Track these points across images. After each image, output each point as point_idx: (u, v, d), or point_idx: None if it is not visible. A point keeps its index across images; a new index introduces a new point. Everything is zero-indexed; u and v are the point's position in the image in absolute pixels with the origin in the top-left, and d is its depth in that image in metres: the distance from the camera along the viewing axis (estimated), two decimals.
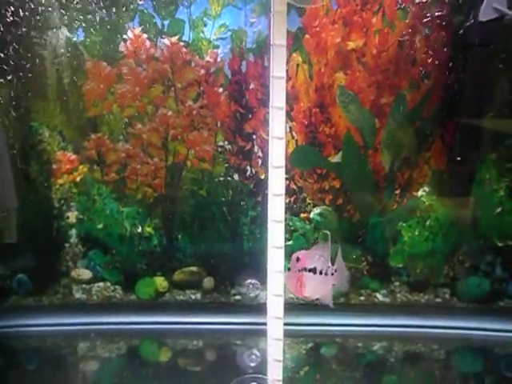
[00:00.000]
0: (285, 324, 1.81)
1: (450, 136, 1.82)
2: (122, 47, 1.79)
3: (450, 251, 1.89)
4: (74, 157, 1.88)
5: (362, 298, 1.91)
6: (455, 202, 1.87)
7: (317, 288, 1.09)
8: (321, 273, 1.04)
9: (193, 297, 1.95)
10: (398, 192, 1.91)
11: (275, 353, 1.01)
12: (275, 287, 1.03)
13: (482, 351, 1.76)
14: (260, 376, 1.00)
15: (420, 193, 1.89)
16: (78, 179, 1.91)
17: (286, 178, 1.92)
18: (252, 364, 1.58)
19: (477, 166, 1.81)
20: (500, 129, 1.79)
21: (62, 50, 1.78)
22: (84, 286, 1.96)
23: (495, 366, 1.70)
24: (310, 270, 1.06)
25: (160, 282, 1.94)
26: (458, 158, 1.81)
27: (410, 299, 1.90)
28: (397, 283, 1.95)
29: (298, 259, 1.11)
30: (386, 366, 1.65)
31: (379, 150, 1.86)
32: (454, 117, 1.81)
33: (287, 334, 1.79)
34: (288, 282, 1.08)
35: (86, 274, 1.98)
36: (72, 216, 1.95)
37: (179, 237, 1.96)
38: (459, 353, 1.80)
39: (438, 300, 1.90)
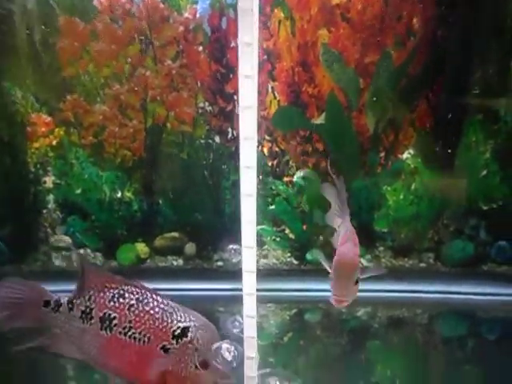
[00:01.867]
0: (268, 290, 1.83)
1: (436, 96, 1.78)
2: (96, 2, 1.71)
3: (434, 215, 1.88)
4: (49, 119, 1.82)
5: None
6: (440, 165, 1.84)
7: None
8: None
9: (174, 263, 1.92)
10: (382, 155, 1.88)
11: (248, 308, 0.96)
12: (247, 239, 0.98)
13: (465, 315, 1.75)
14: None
15: (405, 155, 1.88)
16: (54, 143, 1.85)
17: (269, 141, 1.89)
18: (235, 330, 1.56)
19: (463, 127, 1.77)
20: (487, 89, 1.74)
21: (32, 5, 1.70)
22: (64, 253, 1.92)
23: (478, 329, 1.69)
24: None
25: (141, 248, 1.91)
26: (444, 120, 1.77)
27: (394, 264, 1.90)
28: (381, 248, 1.94)
29: None
30: (369, 331, 1.64)
31: (363, 111, 1.82)
32: (440, 76, 1.77)
33: (271, 300, 1.81)
34: None
35: (66, 240, 1.93)
36: (49, 181, 1.90)
37: (160, 202, 1.93)
38: (443, 317, 1.80)
39: (422, 265, 1.90)
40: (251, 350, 1.01)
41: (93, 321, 0.89)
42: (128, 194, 1.91)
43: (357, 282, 0.85)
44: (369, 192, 1.85)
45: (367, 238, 1.92)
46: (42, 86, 1.81)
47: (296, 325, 1.71)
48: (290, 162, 1.90)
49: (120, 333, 0.88)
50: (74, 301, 0.90)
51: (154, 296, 0.91)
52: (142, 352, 0.88)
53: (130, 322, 0.88)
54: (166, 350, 0.88)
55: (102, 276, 0.91)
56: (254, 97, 0.91)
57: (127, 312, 0.89)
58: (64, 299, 0.91)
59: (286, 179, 1.90)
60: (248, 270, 1.04)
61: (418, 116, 1.82)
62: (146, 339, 0.88)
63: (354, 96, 1.79)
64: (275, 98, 1.85)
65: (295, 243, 1.91)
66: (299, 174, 1.85)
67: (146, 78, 1.77)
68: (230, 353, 1.04)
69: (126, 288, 0.90)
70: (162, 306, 0.91)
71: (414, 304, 1.76)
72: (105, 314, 0.88)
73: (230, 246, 1.87)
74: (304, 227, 1.89)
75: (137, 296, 0.90)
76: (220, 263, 1.91)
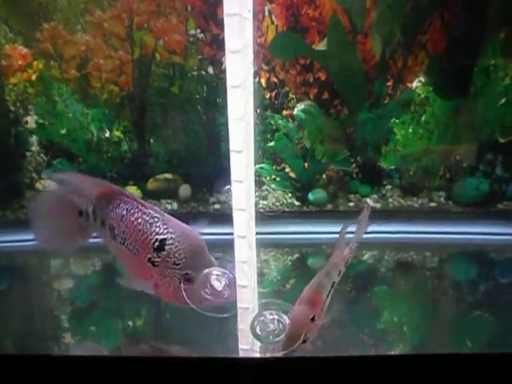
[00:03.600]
0: (269, 233, 1.73)
1: (451, 14, 1.61)
2: None
3: (446, 150, 1.76)
4: (25, 51, 1.67)
5: (351, 204, 1.80)
6: (454, 94, 1.70)
7: None
8: None
9: (168, 207, 1.81)
10: (390, 84, 1.74)
11: (240, 253, 0.86)
12: (236, 172, 0.87)
13: (478, 257, 1.65)
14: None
15: (415, 84, 1.73)
16: (33, 77, 1.70)
17: (266, 70, 1.74)
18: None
19: (481, 49, 1.62)
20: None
21: None
22: None
23: (491, 272, 1.59)
24: None
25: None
26: (460, 41, 1.61)
27: (402, 204, 1.79)
28: (388, 187, 1.83)
29: None
30: (376, 276, 1.54)
31: (369, 34, 1.67)
32: None
33: (272, 245, 1.71)
34: None
35: (52, 185, 1.82)
36: (31, 121, 1.77)
37: (151, 141, 1.81)
38: (454, 260, 1.70)
39: (432, 204, 1.79)
40: (244, 279, 0.91)
41: (107, 230, 0.91)
42: (117, 134, 1.79)
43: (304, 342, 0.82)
44: (375, 125, 1.73)
45: (373, 175, 1.81)
46: (15, 12, 1.65)
47: (299, 270, 1.60)
48: (290, 94, 1.77)
49: (120, 242, 0.89)
50: (96, 211, 0.92)
51: (140, 206, 0.89)
52: (138, 263, 0.88)
53: (123, 232, 0.88)
54: (152, 262, 0.86)
55: (103, 185, 0.91)
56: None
57: (120, 223, 0.88)
58: (90, 209, 0.94)
59: (285, 113, 1.78)
60: (239, 208, 0.93)
61: (431, 38, 1.65)
62: (136, 251, 0.87)
63: (359, 18, 1.63)
64: (272, 22, 1.69)
65: (296, 183, 1.80)
66: (300, 106, 1.73)
67: (131, 2, 1.61)
68: (220, 281, 0.94)
69: (121, 198, 0.90)
70: (144, 216, 0.88)
71: (424, 246, 1.67)
72: (110, 223, 0.90)
73: (227, 187, 1.75)
74: (305, 165, 1.77)
75: (127, 206, 0.89)
76: (217, 206, 1.80)
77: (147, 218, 0.87)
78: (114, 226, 0.90)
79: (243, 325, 0.93)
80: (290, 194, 1.82)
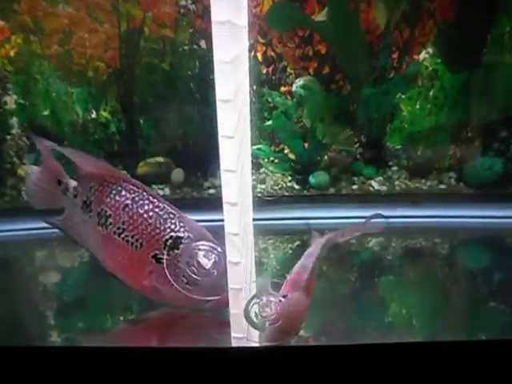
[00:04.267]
0: (269, 219, 1.64)
1: None
2: None
3: (457, 127, 1.68)
4: (2, 24, 1.57)
5: (355, 187, 1.71)
6: (465, 66, 1.60)
7: None
8: None
9: (161, 192, 1.72)
10: (395, 56, 1.65)
11: (230, 223, 0.75)
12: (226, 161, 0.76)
13: (491, 243, 1.55)
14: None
15: (422, 56, 1.65)
16: (11, 54, 1.60)
17: (263, 44, 1.64)
18: None
19: (496, 15, 1.52)
20: None
21: None
22: None
23: (506, 260, 1.47)
24: None
25: None
26: (471, 7, 1.51)
27: (409, 186, 1.71)
28: (395, 168, 1.75)
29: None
30: (382, 264, 1.45)
31: (373, 3, 1.58)
32: None
33: (271, 232, 1.61)
34: None
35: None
36: (10, 101, 1.66)
37: (141, 121, 1.71)
38: (466, 246, 1.60)
39: (442, 186, 1.70)
40: (235, 255, 0.80)
41: (91, 214, 0.85)
42: (104, 114, 1.70)
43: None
44: (379, 101, 1.64)
45: (378, 156, 1.73)
46: None
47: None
48: (288, 69, 1.69)
49: (114, 232, 0.83)
50: (79, 188, 0.87)
51: (151, 198, 0.84)
52: (134, 257, 0.83)
53: (123, 223, 0.83)
54: (157, 259, 0.82)
55: (102, 167, 0.86)
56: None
57: (122, 212, 0.83)
58: (72, 184, 0.89)
59: (283, 89, 1.69)
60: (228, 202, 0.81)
61: (439, 5, 1.56)
62: (139, 244, 0.82)
63: None
64: None
65: (296, 165, 1.72)
66: (299, 82, 1.64)
67: None
68: (208, 258, 0.85)
69: (124, 185, 0.85)
70: (156, 210, 0.83)
71: (433, 231, 1.58)
72: (102, 209, 0.84)
73: None
74: (305, 145, 1.68)
75: (133, 195, 0.84)
76: (212, 191, 1.71)
77: (161, 213, 0.83)
78: (110, 213, 0.83)
79: (235, 309, 0.83)
80: (289, 177, 1.74)
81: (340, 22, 1.56)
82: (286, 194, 1.71)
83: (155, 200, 0.84)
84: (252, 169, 1.54)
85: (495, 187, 1.64)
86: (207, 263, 0.83)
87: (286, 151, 1.75)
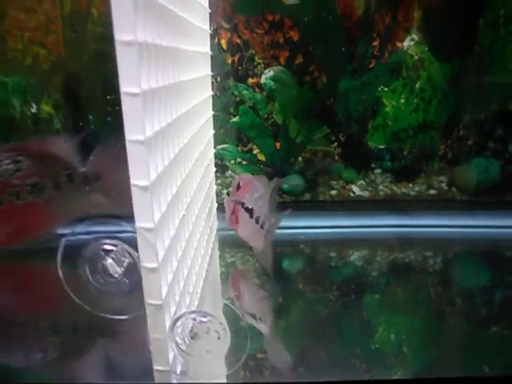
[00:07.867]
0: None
1: None
2: None
3: (447, 124, 1.61)
4: None
5: (334, 192, 1.63)
6: (455, 54, 1.52)
7: (249, 235, 1.10)
8: (257, 221, 1.03)
9: None
10: (376, 43, 1.56)
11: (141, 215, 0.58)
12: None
13: (489, 256, 1.45)
14: None
15: (406, 43, 1.56)
16: None
17: (227, 29, 1.50)
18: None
19: None
20: None
21: None
22: None
23: (507, 275, 1.36)
24: (246, 210, 1.06)
25: None
26: None
27: (395, 192, 1.63)
28: (378, 171, 1.69)
29: (238, 186, 1.10)
30: (366, 281, 1.32)
31: None
32: None
33: (239, 244, 1.48)
34: (226, 206, 1.16)
35: None
36: None
37: (90, 117, 1.58)
38: (460, 259, 1.49)
39: (431, 192, 1.64)
40: (152, 260, 0.63)
41: None
42: (46, 108, 1.56)
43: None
44: (359, 95, 1.57)
45: (359, 157, 1.65)
46: None
47: (272, 275, 1.34)
48: (256, 58, 1.58)
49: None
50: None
51: None
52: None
53: None
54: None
55: None
56: None
57: None
58: None
59: (251, 81, 1.59)
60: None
61: None
62: None
63: None
64: None
65: (267, 167, 1.61)
66: (268, 73, 1.54)
67: None
68: (119, 265, 0.78)
69: None
70: None
71: (423, 243, 1.48)
72: None
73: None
74: (277, 145, 1.59)
75: None
76: None
77: None
78: None
79: (156, 333, 0.68)
80: None
81: (314, 5, 1.48)
82: None
83: None
84: (216, 172, 1.41)
85: (492, 193, 1.58)
86: (117, 269, 0.71)
87: (255, 152, 1.67)
